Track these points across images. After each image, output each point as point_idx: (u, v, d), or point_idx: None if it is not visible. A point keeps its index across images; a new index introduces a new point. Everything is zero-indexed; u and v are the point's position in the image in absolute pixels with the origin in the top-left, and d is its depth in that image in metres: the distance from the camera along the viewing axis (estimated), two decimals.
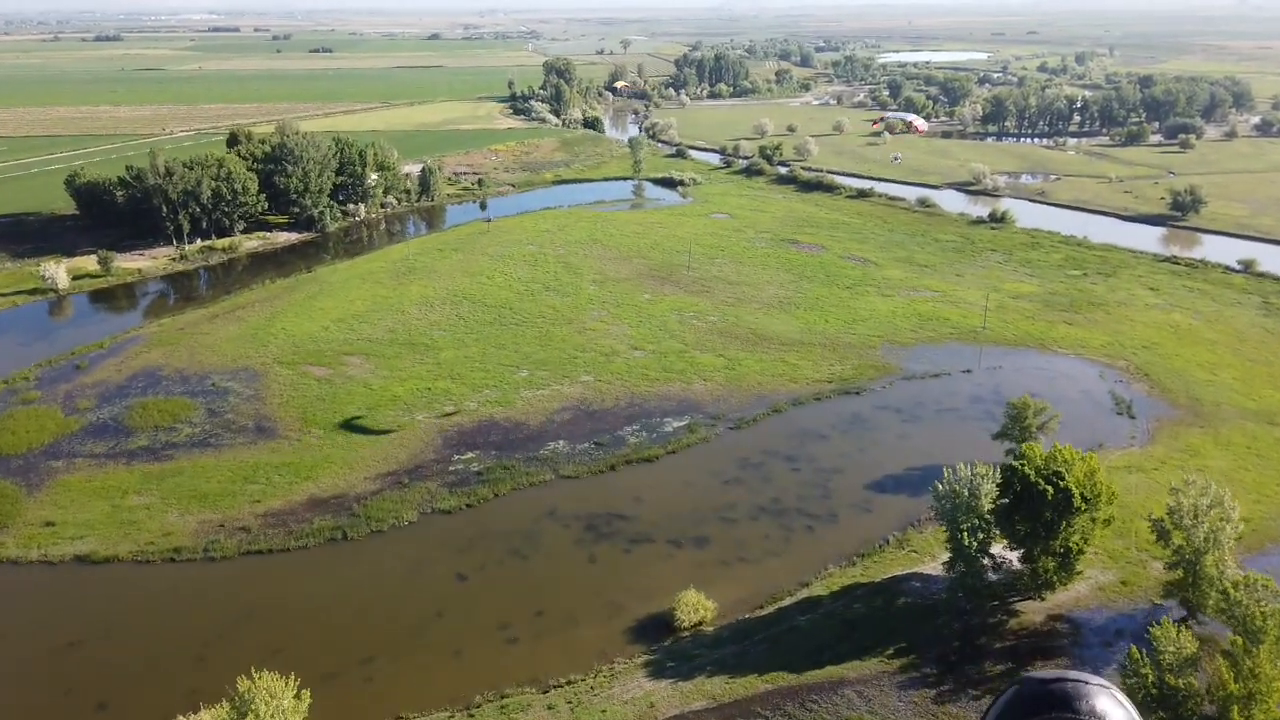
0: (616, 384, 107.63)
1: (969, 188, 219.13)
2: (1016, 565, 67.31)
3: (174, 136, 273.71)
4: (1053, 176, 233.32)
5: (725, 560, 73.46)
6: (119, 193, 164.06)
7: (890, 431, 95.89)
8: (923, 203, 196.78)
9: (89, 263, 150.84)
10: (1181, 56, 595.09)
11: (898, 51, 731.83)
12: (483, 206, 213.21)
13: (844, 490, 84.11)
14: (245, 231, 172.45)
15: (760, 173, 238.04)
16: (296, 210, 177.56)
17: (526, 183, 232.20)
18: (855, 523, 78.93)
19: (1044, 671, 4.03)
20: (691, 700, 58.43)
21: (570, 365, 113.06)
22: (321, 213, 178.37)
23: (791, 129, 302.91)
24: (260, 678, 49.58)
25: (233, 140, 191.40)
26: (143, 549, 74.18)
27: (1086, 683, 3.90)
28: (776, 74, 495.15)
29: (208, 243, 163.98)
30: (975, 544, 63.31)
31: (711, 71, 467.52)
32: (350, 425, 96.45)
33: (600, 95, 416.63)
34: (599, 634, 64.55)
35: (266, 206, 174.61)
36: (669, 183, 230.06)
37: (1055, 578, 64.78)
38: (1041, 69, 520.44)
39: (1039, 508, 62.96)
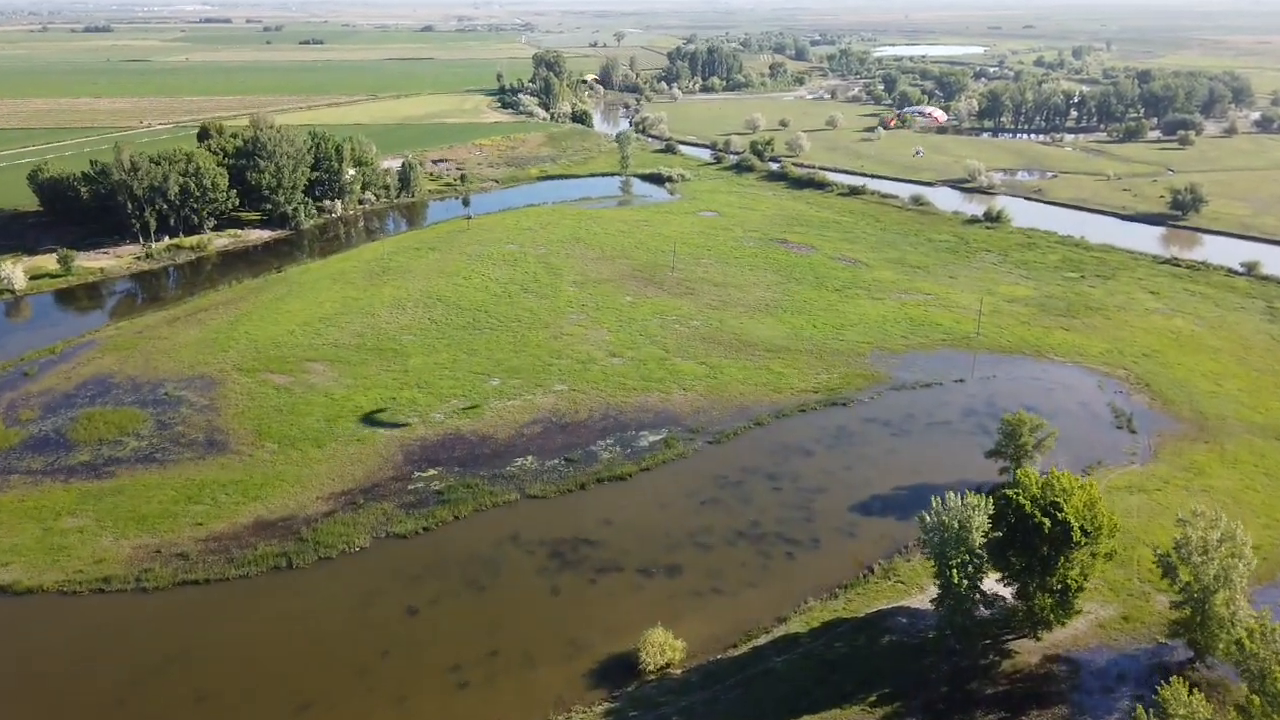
0: (592, 394, 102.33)
1: (964, 185, 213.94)
2: (1010, 601, 62.22)
3: (151, 129, 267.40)
4: (1049, 174, 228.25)
5: (698, 591, 68.26)
6: (83, 189, 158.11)
7: (878, 447, 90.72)
8: (916, 201, 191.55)
9: (49, 262, 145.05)
10: (1179, 51, 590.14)
11: (894, 45, 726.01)
12: (465, 203, 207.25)
13: (827, 512, 78.94)
14: (216, 229, 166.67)
15: (751, 169, 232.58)
16: (269, 207, 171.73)
17: (511, 178, 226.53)
18: (838, 549, 73.77)
19: None
20: None
21: (544, 373, 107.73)
22: (296, 209, 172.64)
23: (784, 124, 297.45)
24: None
25: (204, 134, 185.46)
26: (70, 578, 68.76)
27: None
28: (770, 68, 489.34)
29: (175, 241, 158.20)
30: (966, 582, 58.15)
31: (704, 65, 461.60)
32: (309, 438, 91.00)
33: (591, 89, 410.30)
34: (557, 677, 59.34)
35: (238, 203, 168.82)
36: (657, 179, 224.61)
37: (1052, 616, 59.68)
38: (1038, 63, 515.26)
39: (1035, 542, 57.87)
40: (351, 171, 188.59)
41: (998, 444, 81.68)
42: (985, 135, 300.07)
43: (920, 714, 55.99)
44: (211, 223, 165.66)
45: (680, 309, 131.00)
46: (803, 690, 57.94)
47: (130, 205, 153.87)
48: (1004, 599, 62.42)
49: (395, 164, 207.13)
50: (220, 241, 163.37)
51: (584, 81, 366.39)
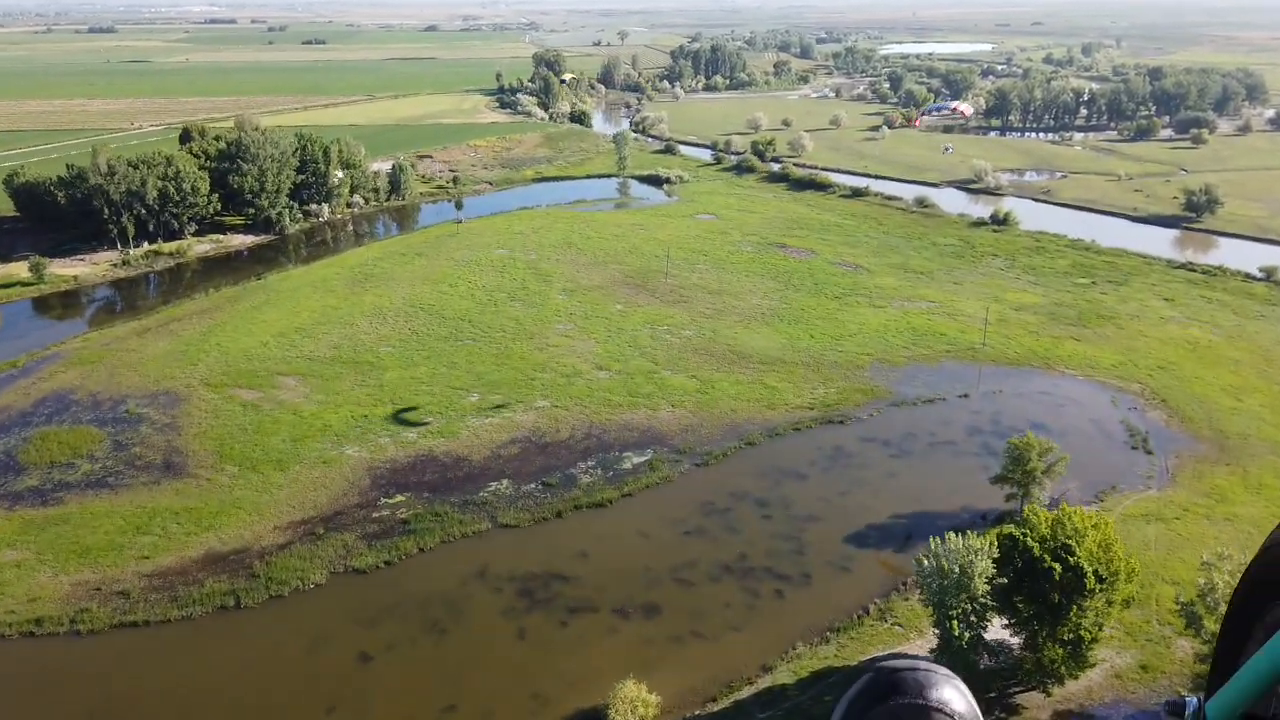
0: (575, 411, 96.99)
1: (970, 186, 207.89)
2: (1018, 651, 56.72)
3: (141, 131, 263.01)
4: (1058, 174, 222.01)
5: (677, 635, 62.87)
6: (60, 194, 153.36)
7: (876, 469, 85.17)
8: (920, 203, 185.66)
9: (21, 269, 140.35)
10: (1191, 48, 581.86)
11: (901, 43, 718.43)
12: (458, 206, 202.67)
13: (820, 543, 73.46)
14: (198, 234, 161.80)
15: (751, 170, 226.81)
16: (252, 211, 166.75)
17: (505, 180, 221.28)
18: (831, 586, 68.30)
19: (895, 661, 4.13)
20: None
21: (526, 388, 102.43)
22: (280, 214, 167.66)
23: (787, 123, 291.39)
24: None
25: (186, 137, 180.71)
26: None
27: (935, 672, 4.08)
28: (775, 66, 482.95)
29: (154, 247, 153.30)
30: (967, 634, 52.67)
31: (708, 63, 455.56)
32: (272, 460, 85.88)
33: (592, 88, 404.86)
34: None
35: (219, 207, 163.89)
36: (655, 180, 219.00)
37: (1064, 669, 54.17)
38: (1047, 61, 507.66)
39: (1044, 589, 52.37)
40: (339, 174, 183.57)
41: (1004, 469, 76.08)
42: (993, 134, 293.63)
43: None
44: (193, 228, 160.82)
45: (673, 318, 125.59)
46: None
47: (107, 210, 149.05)
48: (1010, 648, 56.94)
49: (386, 166, 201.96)
50: (201, 247, 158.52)
51: (563, 80, 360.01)
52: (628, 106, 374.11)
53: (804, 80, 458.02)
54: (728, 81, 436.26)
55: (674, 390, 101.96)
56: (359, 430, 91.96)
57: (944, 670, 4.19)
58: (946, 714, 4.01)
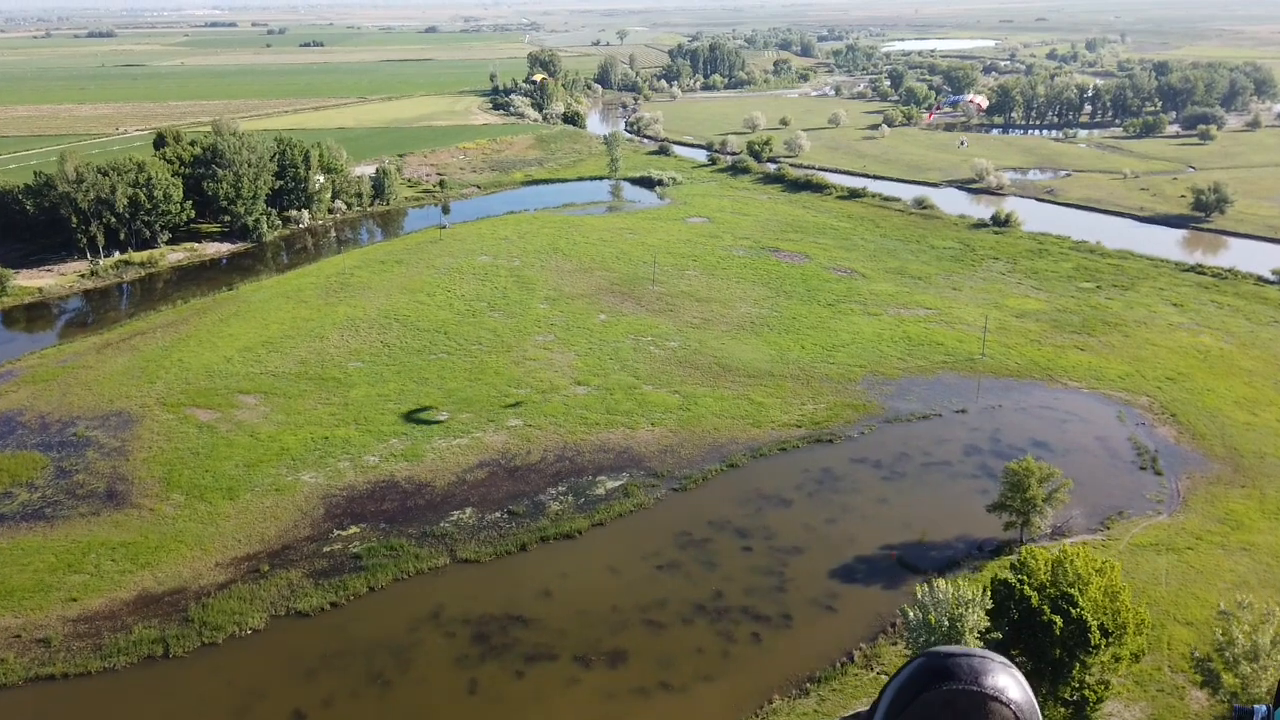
0: (549, 430, 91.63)
1: (970, 185, 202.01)
2: None
3: (125, 136, 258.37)
4: (1062, 172, 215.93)
5: (643, 687, 57.44)
6: (28, 202, 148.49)
7: (866, 494, 79.62)
8: (920, 203, 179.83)
9: None
10: (1197, 42, 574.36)
11: (903, 40, 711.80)
12: (445, 210, 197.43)
13: (803, 578, 67.96)
14: (171, 242, 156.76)
15: (746, 171, 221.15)
16: (228, 218, 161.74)
17: (494, 183, 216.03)
18: (814, 627, 62.79)
19: (949, 647, 4.02)
20: None
21: (499, 406, 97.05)
22: (257, 221, 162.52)
23: (785, 122, 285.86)
24: None
25: (160, 142, 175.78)
26: None
27: (990, 659, 3.93)
28: (774, 64, 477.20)
29: (124, 256, 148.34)
30: None
31: (706, 62, 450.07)
32: (221, 487, 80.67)
33: (588, 88, 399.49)
34: None
35: (194, 215, 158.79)
36: (648, 182, 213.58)
37: None
38: (1051, 56, 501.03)
39: (1044, 644, 46.84)
40: (320, 179, 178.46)
41: (1002, 496, 70.51)
42: (995, 132, 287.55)
43: None
44: (166, 236, 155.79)
45: (658, 328, 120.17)
46: None
47: (75, 219, 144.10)
48: None
49: (370, 170, 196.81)
50: (174, 256, 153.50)
51: (531, 82, 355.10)
52: (624, 106, 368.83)
53: (804, 78, 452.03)
54: (726, 80, 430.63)
55: (655, 407, 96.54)
56: (318, 454, 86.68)
57: (1000, 657, 3.95)
58: (1002, 702, 3.78)
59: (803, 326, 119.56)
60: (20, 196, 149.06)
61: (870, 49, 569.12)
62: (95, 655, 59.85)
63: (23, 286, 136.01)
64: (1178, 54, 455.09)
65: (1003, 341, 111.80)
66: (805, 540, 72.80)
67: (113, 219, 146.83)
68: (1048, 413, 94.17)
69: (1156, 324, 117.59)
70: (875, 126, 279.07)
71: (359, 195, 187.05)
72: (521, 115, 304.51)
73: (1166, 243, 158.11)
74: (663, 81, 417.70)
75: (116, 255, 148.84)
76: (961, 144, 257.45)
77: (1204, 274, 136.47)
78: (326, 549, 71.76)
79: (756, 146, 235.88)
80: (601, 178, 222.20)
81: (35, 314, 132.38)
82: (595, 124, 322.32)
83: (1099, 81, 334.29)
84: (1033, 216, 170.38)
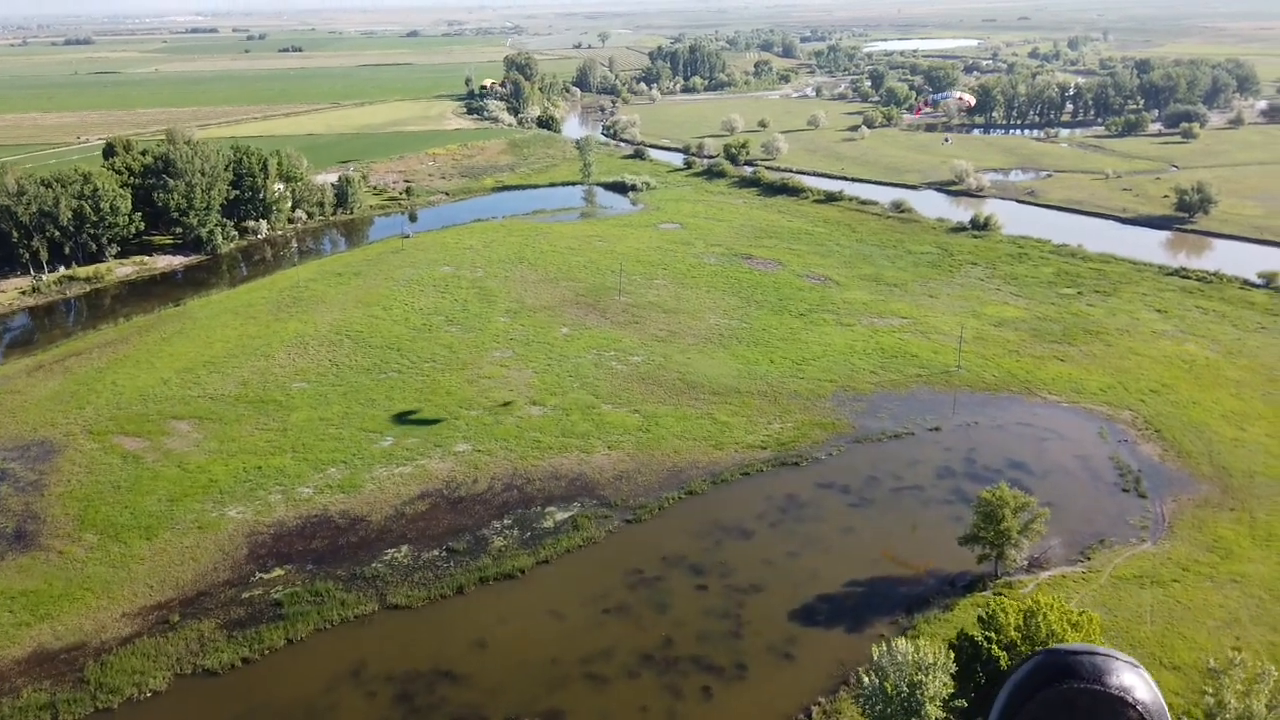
0: (499, 455, 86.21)
1: (950, 187, 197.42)
2: None
3: (85, 145, 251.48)
4: (1043, 173, 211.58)
5: None
6: None
7: (832, 523, 74.45)
8: (897, 207, 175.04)
9: None
10: (1179, 40, 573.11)
11: (886, 40, 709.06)
12: (412, 218, 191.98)
13: (762, 621, 62.72)
14: (121, 256, 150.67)
15: (722, 174, 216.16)
16: (181, 230, 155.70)
17: (463, 190, 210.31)
18: (771, 679, 57.53)
19: (1073, 644, 3.87)
20: None
21: (448, 429, 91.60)
22: (211, 232, 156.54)
23: (764, 124, 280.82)
24: None
25: (109, 151, 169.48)
26: None
27: (1114, 658, 3.77)
28: (755, 66, 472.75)
29: (69, 271, 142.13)
30: None
31: (686, 64, 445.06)
32: (139, 526, 74.95)
33: (567, 91, 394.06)
34: None
35: (143, 227, 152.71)
36: (621, 187, 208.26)
37: None
38: (1033, 55, 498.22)
39: None
40: (279, 188, 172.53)
41: (974, 527, 65.43)
42: (976, 132, 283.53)
43: None
44: (114, 250, 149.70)
45: (622, 341, 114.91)
46: None
47: (16, 233, 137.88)
48: None
49: (332, 178, 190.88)
50: (123, 270, 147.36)
51: (484, 86, 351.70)
52: (602, 110, 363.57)
53: (785, 80, 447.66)
54: (706, 82, 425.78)
55: (613, 428, 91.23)
56: (248, 486, 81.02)
57: (1125, 656, 3.78)
58: (1129, 702, 3.58)
59: (773, 339, 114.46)
60: None
61: (852, 49, 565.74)
62: None
63: None
64: (1160, 51, 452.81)
65: (980, 352, 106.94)
66: (765, 577, 67.56)
67: (56, 233, 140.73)
68: (1026, 430, 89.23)
69: (1140, 331, 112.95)
70: (855, 128, 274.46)
71: (321, 204, 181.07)
72: (496, 120, 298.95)
73: (1150, 245, 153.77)
74: (642, 84, 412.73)
75: (61, 270, 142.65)
76: (946, 140, 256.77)
77: (1188, 278, 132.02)
78: (245, 595, 66.15)
79: (733, 149, 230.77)
80: (574, 183, 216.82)
81: None
82: (574, 127, 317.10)
83: (1081, 80, 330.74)
84: (1013, 219, 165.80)
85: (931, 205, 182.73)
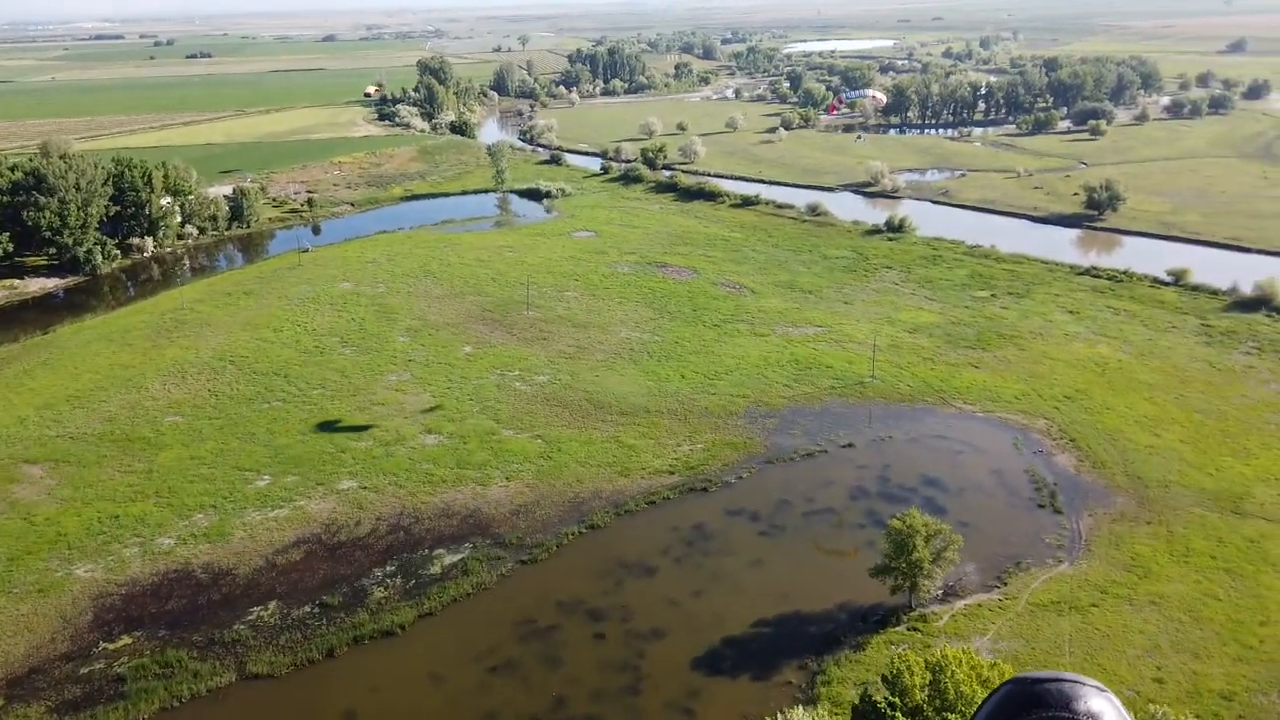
0: (387, 492, 79.80)
1: (866, 189, 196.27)
2: None
3: None
4: (958, 172, 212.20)
5: None
6: None
7: (740, 555, 69.96)
8: (813, 210, 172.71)
9: None
10: (1086, 38, 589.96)
11: (805, 41, 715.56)
12: (316, 231, 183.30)
13: (661, 673, 57.77)
14: None
15: (639, 180, 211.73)
16: (55, 250, 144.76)
17: (370, 200, 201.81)
18: None
19: (1038, 671, 3.95)
20: None
21: (333, 464, 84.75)
22: (89, 252, 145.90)
23: (682, 127, 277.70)
24: None
25: None
26: None
27: (1082, 683, 3.85)
28: (675, 68, 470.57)
29: None
30: None
31: (606, 67, 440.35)
32: None
33: (484, 96, 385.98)
34: None
35: (11, 249, 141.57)
36: (536, 194, 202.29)
37: None
38: (946, 55, 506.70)
39: None
40: (166, 202, 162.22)
41: (885, 557, 61.57)
42: (892, 132, 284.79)
43: None
44: None
45: (528, 359, 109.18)
46: None
47: None
48: None
49: (228, 190, 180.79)
50: None
51: (367, 93, 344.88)
52: (520, 114, 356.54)
53: (705, 82, 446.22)
54: (626, 85, 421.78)
55: (512, 456, 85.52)
56: (102, 539, 73.15)
57: (1093, 681, 3.87)
58: None
59: (685, 352, 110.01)
60: None
61: (772, 50, 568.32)
62: None
63: None
64: (1068, 50, 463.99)
65: (894, 361, 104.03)
66: (667, 620, 62.67)
67: None
68: (941, 444, 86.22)
69: (1053, 334, 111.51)
70: (773, 130, 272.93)
71: (214, 218, 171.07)
72: (407, 126, 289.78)
73: (1061, 243, 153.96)
74: (561, 87, 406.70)
75: None
76: (859, 138, 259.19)
77: (1099, 276, 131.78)
78: (85, 670, 58.73)
79: (651, 154, 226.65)
80: (487, 191, 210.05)
81: None
82: (492, 132, 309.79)
83: (992, 79, 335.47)
84: (927, 220, 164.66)
85: (847, 208, 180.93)
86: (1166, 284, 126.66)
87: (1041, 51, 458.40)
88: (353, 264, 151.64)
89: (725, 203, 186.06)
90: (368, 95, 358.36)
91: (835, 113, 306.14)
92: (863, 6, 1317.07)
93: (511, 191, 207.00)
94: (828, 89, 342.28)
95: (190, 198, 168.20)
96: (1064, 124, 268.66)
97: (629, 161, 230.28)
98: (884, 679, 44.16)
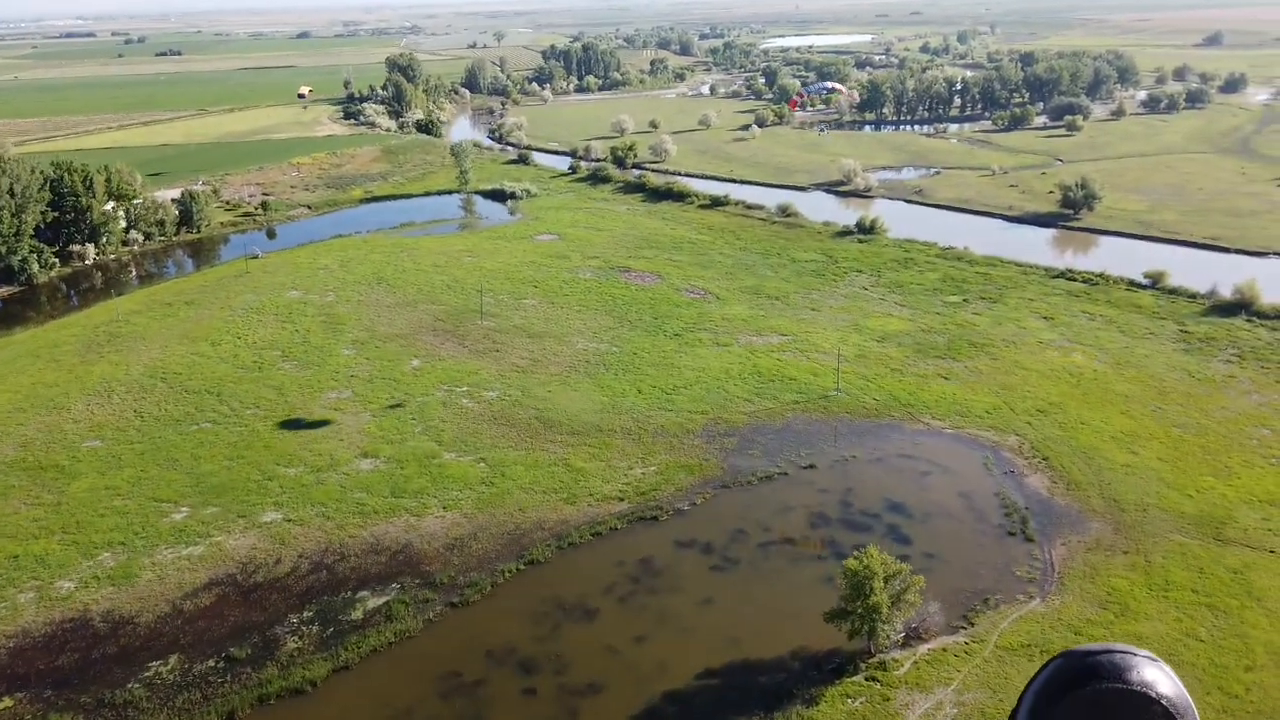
0: (313, 525, 74.12)
1: (839, 188, 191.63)
2: None
3: None
4: (932, 170, 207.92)
5: None
6: None
7: (689, 594, 64.78)
8: (784, 211, 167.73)
9: None
10: (1063, 32, 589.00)
11: (782, 36, 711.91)
12: (270, 235, 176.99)
13: None
14: None
15: (607, 179, 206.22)
16: None
17: (329, 202, 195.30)
18: None
19: (1089, 644, 3.88)
20: None
21: (258, 493, 78.98)
22: (23, 260, 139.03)
23: (655, 125, 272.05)
24: None
25: None
26: None
27: (1134, 654, 3.79)
28: (651, 64, 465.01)
29: None
30: None
31: (580, 63, 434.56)
32: None
33: (455, 93, 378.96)
34: None
35: None
36: (501, 195, 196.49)
37: None
38: (924, 50, 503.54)
39: None
40: (109, 207, 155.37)
41: (842, 599, 56.54)
42: (867, 128, 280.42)
43: None
44: None
45: (478, 374, 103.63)
46: None
47: None
48: None
49: (177, 194, 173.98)
50: None
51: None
52: (492, 112, 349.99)
53: (680, 78, 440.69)
54: (601, 82, 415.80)
55: (452, 483, 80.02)
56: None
57: (1144, 651, 3.82)
58: (1152, 697, 3.64)
59: (643, 364, 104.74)
60: None
61: (749, 46, 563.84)
62: None
63: None
64: (1044, 44, 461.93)
65: (861, 372, 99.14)
66: (606, 671, 57.42)
67: None
68: (907, 464, 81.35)
69: (1026, 342, 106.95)
70: (746, 127, 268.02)
71: (161, 224, 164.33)
72: (373, 124, 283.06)
73: (1036, 244, 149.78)
74: (535, 84, 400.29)
75: None
76: (822, 131, 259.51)
77: (1074, 279, 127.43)
78: None
79: (620, 152, 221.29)
80: (451, 192, 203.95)
81: None
82: (464, 130, 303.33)
83: (968, 74, 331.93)
84: (900, 220, 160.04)
85: (819, 208, 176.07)
86: (1144, 287, 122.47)
87: (1018, 46, 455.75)
88: (303, 271, 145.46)
89: (694, 203, 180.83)
90: (301, 97, 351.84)
91: (796, 108, 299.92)
92: (841, 2, 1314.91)
93: (476, 192, 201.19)
94: (803, 85, 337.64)
95: (136, 202, 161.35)
96: (1040, 119, 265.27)
97: (598, 161, 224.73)
98: None
